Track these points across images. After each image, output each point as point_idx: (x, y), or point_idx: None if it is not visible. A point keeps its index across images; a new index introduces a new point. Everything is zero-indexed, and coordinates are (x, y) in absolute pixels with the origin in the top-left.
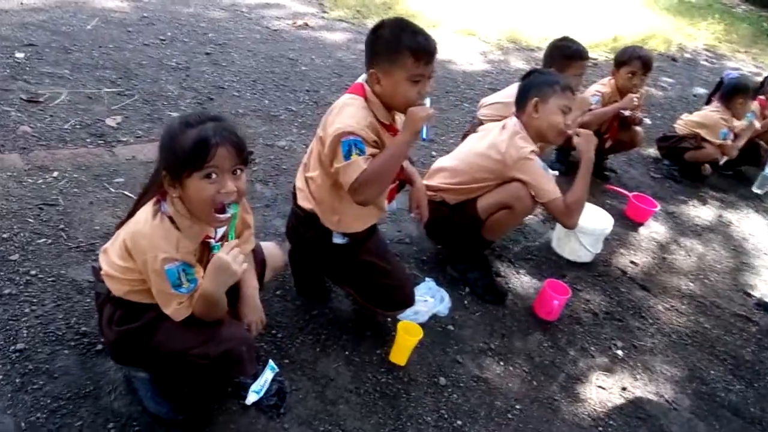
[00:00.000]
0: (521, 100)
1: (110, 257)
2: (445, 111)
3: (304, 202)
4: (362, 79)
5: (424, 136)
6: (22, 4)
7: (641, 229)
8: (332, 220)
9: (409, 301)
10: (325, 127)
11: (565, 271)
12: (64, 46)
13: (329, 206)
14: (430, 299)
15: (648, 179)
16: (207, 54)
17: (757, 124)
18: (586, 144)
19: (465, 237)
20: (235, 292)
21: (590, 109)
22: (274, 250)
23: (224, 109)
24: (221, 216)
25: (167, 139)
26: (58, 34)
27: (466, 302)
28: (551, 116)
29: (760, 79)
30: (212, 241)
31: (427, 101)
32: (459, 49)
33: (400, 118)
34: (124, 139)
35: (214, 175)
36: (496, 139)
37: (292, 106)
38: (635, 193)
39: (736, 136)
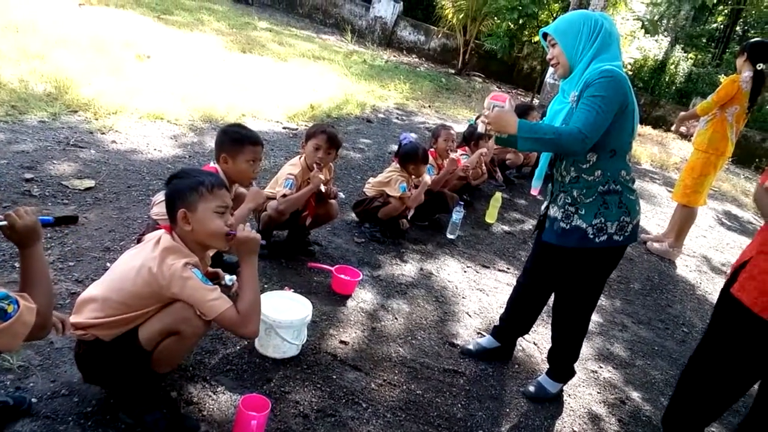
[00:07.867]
0: (170, 213)
1: None
2: (126, 209)
3: None
4: None
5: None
6: None
7: (349, 302)
8: None
9: None
10: None
11: (272, 374)
12: None
13: None
14: None
15: (353, 245)
16: None
17: (427, 178)
18: (245, 247)
19: (133, 375)
20: None
21: (284, 195)
22: None
23: None
24: None
25: None
26: None
27: None
28: (207, 223)
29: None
30: None
31: None
32: (145, 136)
33: None
34: None
35: None
36: (147, 256)
37: None
38: (338, 265)
39: (416, 187)
